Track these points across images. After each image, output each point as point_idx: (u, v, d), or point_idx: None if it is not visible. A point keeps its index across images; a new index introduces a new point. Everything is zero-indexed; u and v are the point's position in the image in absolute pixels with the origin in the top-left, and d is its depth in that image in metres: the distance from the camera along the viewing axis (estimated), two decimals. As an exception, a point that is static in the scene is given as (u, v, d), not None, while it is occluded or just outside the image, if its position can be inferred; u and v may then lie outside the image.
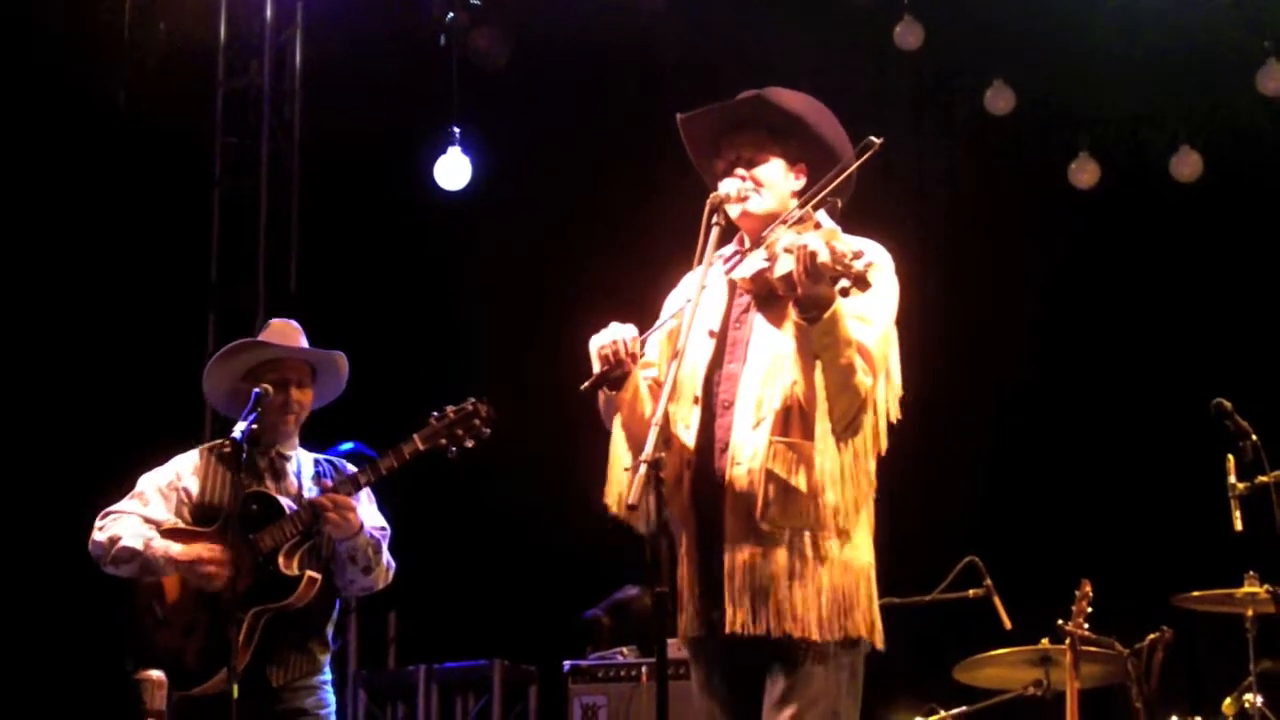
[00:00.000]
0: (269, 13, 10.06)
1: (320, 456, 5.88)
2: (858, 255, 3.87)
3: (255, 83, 10.07)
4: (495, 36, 9.99)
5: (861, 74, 9.80)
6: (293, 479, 5.69)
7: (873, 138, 4.34)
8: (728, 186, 4.43)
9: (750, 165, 4.48)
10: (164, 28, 9.71)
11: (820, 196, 4.36)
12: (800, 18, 9.76)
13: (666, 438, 4.18)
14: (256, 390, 5.40)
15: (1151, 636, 6.57)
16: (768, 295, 4.32)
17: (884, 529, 4.35)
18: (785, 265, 4.08)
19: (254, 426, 5.29)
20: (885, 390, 4.26)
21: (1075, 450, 9.46)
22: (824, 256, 3.89)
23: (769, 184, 4.47)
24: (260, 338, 5.83)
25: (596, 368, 4.32)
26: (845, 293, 3.89)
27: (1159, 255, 9.66)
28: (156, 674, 5.16)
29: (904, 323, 4.35)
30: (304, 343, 5.82)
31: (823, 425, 4.11)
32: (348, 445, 7.26)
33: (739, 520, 4.19)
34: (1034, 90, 9.93)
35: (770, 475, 4.16)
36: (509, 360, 9.43)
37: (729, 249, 4.55)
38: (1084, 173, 10.06)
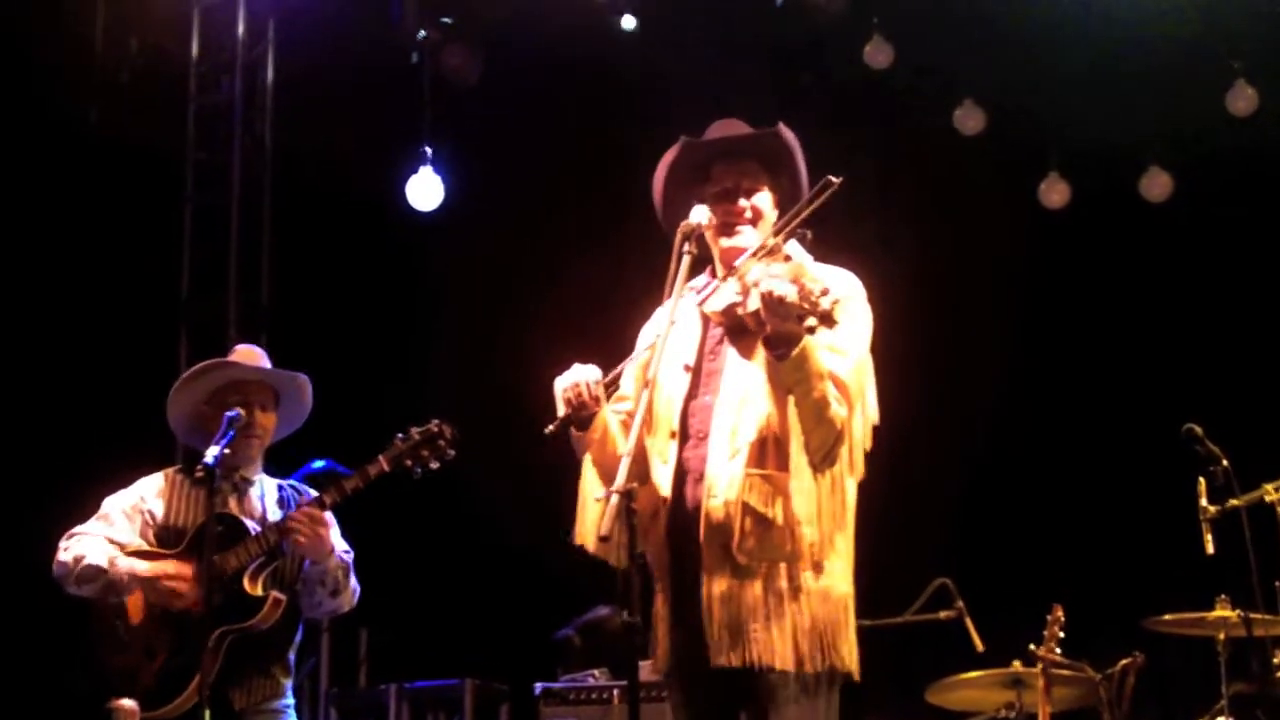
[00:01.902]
0: (241, 29, 10.01)
1: (283, 481, 5.85)
2: (824, 292, 3.87)
3: (227, 99, 10.02)
4: (466, 54, 9.98)
5: (831, 93, 9.81)
6: (256, 502, 5.66)
7: (831, 177, 4.34)
8: (723, 215, 4.45)
9: (749, 195, 4.50)
10: (136, 44, 9.67)
11: (789, 228, 4.36)
12: (770, 37, 9.76)
13: (642, 472, 4.18)
14: (230, 413, 5.38)
15: (1124, 661, 6.61)
16: (740, 327, 4.32)
17: (856, 551, 4.35)
18: (756, 302, 4.07)
19: (226, 450, 5.28)
20: (860, 419, 4.26)
21: (1047, 472, 9.45)
22: (791, 296, 3.89)
23: (767, 216, 4.50)
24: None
25: (560, 410, 4.34)
26: (812, 330, 3.90)
27: (1129, 276, 9.67)
28: (129, 703, 5.11)
29: (873, 344, 4.36)
30: (268, 365, 5.81)
31: (798, 457, 4.11)
32: (320, 463, 7.20)
33: (715, 553, 4.18)
34: (1004, 110, 9.94)
35: (746, 508, 4.15)
36: (483, 378, 9.40)
37: (701, 280, 4.55)
38: (1054, 193, 10.08)
